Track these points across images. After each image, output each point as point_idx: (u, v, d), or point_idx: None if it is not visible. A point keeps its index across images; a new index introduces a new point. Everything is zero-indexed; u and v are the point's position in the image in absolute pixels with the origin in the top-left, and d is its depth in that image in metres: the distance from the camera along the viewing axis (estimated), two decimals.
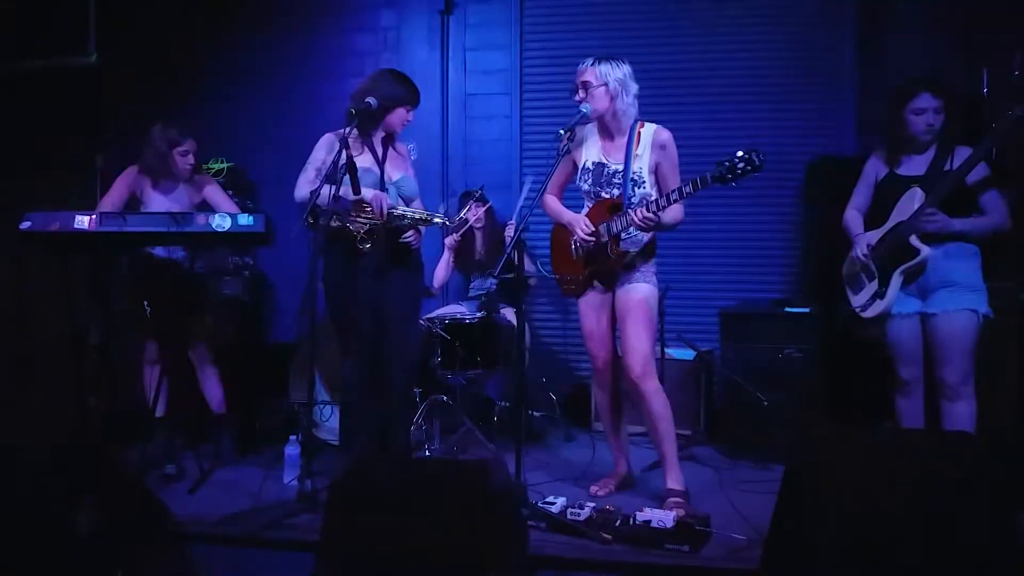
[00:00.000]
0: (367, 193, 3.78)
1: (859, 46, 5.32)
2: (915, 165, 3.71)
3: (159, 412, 4.32)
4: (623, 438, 4.00)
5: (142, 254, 4.31)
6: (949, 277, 3.56)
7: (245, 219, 3.74)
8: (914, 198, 3.60)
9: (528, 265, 5.08)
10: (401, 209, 3.90)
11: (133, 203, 4.32)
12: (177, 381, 4.40)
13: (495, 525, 2.34)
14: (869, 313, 3.75)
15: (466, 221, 4.97)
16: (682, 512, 3.36)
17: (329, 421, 4.84)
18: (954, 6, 5.04)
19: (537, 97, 5.81)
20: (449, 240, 5.18)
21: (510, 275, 4.09)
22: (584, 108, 3.60)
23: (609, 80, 3.57)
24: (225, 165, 5.60)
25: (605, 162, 3.69)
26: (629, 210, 3.49)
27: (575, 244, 3.75)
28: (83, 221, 3.69)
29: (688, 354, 5.01)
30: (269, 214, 3.79)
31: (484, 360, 4.71)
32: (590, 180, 3.72)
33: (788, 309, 4.63)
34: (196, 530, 3.31)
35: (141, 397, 4.44)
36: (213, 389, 4.51)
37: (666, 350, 4.90)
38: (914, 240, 3.57)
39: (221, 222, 3.71)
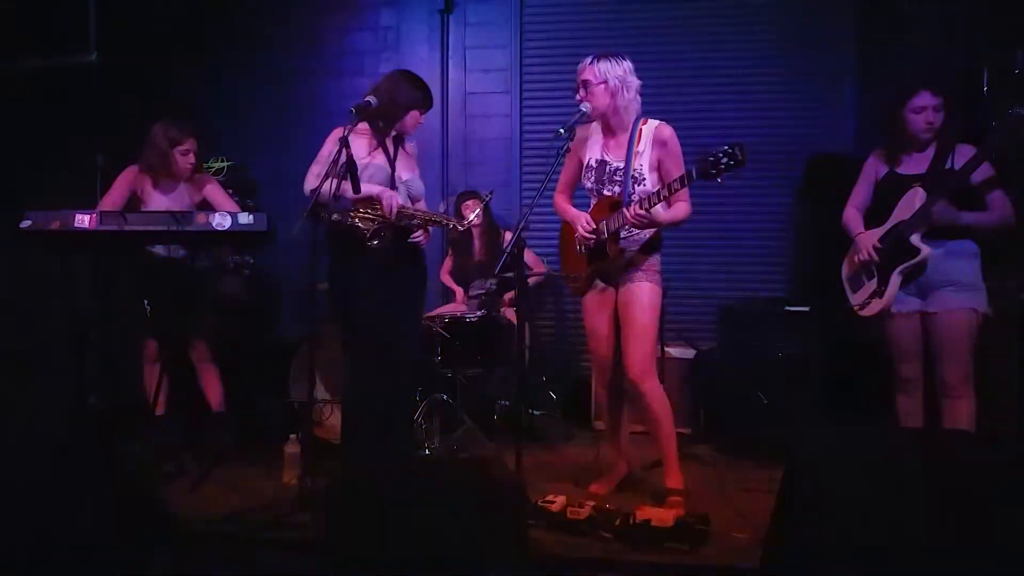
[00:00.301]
0: (379, 191, 3.80)
1: (860, 44, 5.33)
2: (915, 164, 3.70)
3: (159, 410, 4.33)
4: (623, 437, 4.00)
5: (142, 253, 4.31)
6: (949, 276, 3.56)
7: (246, 218, 3.74)
8: (915, 197, 3.59)
9: (535, 264, 5.10)
10: (412, 208, 3.92)
11: (134, 202, 4.32)
12: (177, 379, 4.40)
13: (495, 524, 2.34)
14: (867, 312, 3.75)
15: (486, 219, 5.00)
16: (681, 511, 3.35)
17: (329, 420, 4.84)
18: (955, 5, 5.03)
19: (537, 96, 5.82)
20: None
21: (509, 274, 4.09)
22: (583, 107, 3.60)
23: (609, 77, 3.57)
24: (225, 164, 5.60)
25: (607, 159, 3.69)
26: (623, 208, 3.49)
27: (577, 241, 3.76)
28: (83, 220, 3.69)
29: (688, 352, 5.01)
30: (270, 213, 3.79)
31: (484, 358, 4.72)
32: (593, 178, 3.72)
33: (788, 307, 4.63)
34: (196, 529, 3.32)
35: (141, 396, 4.44)
36: (213, 388, 4.50)
37: (666, 348, 4.90)
38: (915, 239, 3.56)
39: (222, 221, 3.71)
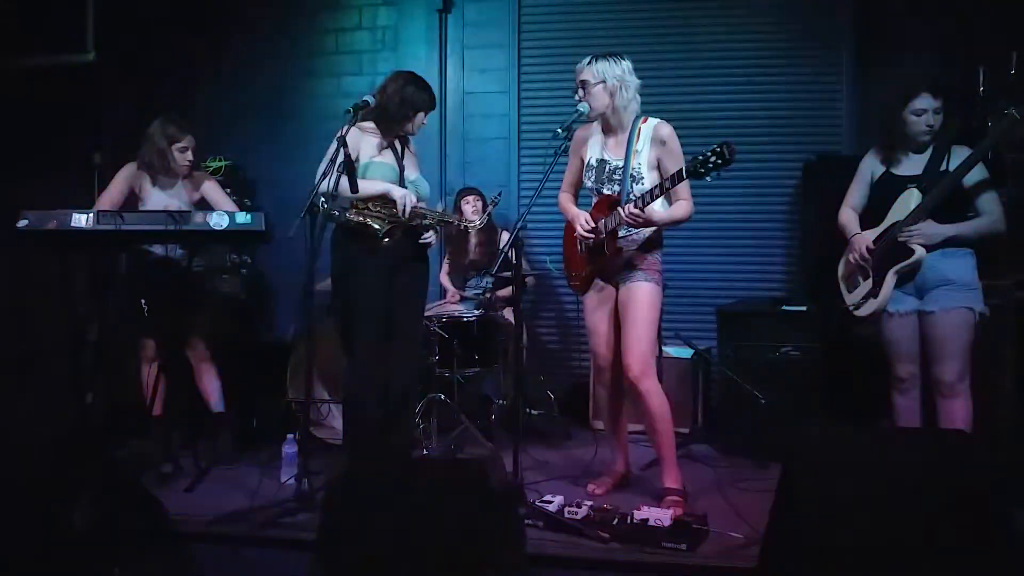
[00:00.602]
0: (394, 190, 3.86)
1: (857, 45, 5.33)
2: (912, 164, 3.69)
3: (157, 410, 4.31)
4: (623, 436, 4.00)
5: (140, 252, 4.30)
6: (945, 275, 3.54)
7: (243, 217, 3.74)
8: (910, 198, 3.58)
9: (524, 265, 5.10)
10: (424, 208, 3.96)
11: (132, 200, 4.31)
12: (175, 379, 4.40)
13: (493, 524, 2.35)
14: (862, 312, 3.74)
15: (488, 218, 5.01)
16: (679, 511, 3.37)
17: (327, 420, 4.84)
18: (951, 6, 5.04)
19: (535, 95, 5.82)
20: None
21: (507, 273, 4.10)
22: (581, 107, 3.61)
23: (607, 77, 3.57)
24: (223, 163, 5.59)
25: (606, 158, 3.70)
26: (619, 207, 3.50)
27: (577, 240, 3.76)
28: (80, 219, 3.69)
29: (686, 352, 5.01)
30: (267, 212, 3.79)
31: (482, 358, 4.72)
32: (593, 176, 3.73)
33: (786, 307, 4.63)
34: (193, 528, 3.31)
35: (139, 395, 4.43)
36: (211, 387, 4.50)
37: (664, 348, 4.90)
38: (909, 241, 3.57)
39: (219, 220, 3.71)
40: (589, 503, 3.41)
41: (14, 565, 2.45)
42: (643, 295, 3.63)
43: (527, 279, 5.22)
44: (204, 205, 4.43)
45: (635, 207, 3.41)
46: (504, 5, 5.82)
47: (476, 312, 4.85)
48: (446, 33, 5.93)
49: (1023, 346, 3.86)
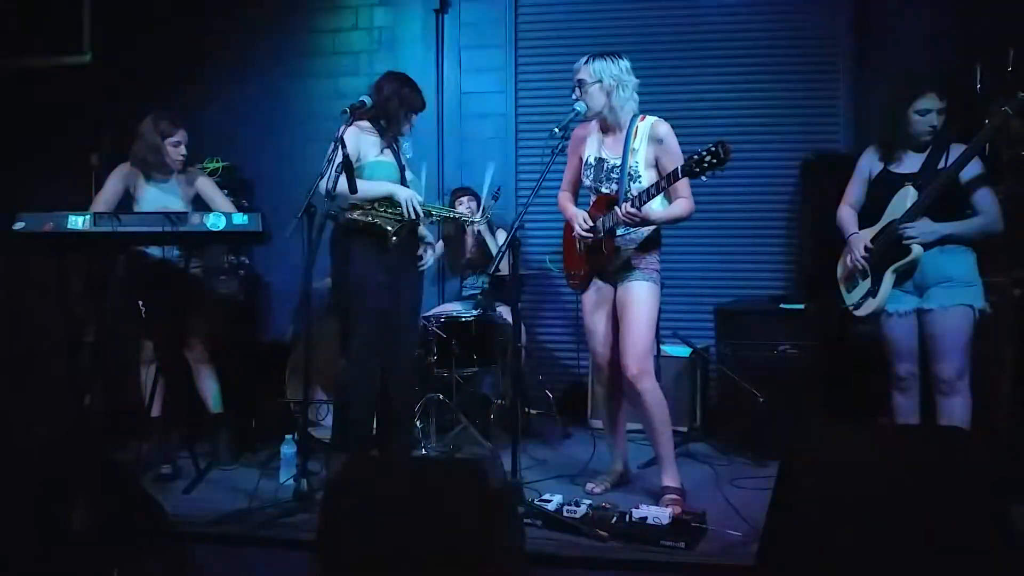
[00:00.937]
0: (399, 192, 3.89)
1: (854, 43, 5.34)
2: (911, 163, 3.67)
3: (155, 411, 4.31)
4: (621, 435, 4.00)
5: (137, 253, 4.30)
6: (945, 273, 3.53)
7: (241, 218, 3.74)
8: (907, 196, 3.57)
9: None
10: (429, 206, 4.03)
11: (126, 200, 4.31)
12: (173, 380, 4.40)
13: (491, 523, 2.34)
14: (861, 311, 3.73)
15: (487, 211, 5.02)
16: (678, 509, 3.37)
17: (325, 420, 4.84)
18: (949, 4, 5.04)
19: (532, 95, 5.82)
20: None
21: (504, 272, 4.10)
22: (578, 107, 3.62)
23: (604, 77, 3.58)
24: (220, 164, 5.59)
25: (604, 157, 3.70)
26: (616, 206, 3.50)
27: (575, 239, 3.76)
28: (77, 221, 3.68)
29: (684, 351, 5.01)
30: (265, 213, 3.79)
31: (480, 358, 4.72)
32: (591, 175, 3.73)
33: (784, 306, 4.63)
34: (192, 529, 3.30)
35: (137, 397, 4.43)
36: (209, 388, 4.49)
37: (662, 347, 4.89)
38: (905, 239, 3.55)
39: (216, 221, 3.70)
40: (588, 502, 3.41)
41: (13, 566, 2.45)
42: (641, 294, 3.63)
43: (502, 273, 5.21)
44: (200, 201, 4.43)
45: (632, 206, 3.41)
46: (501, 5, 5.82)
47: (474, 312, 4.85)
48: (443, 33, 5.93)
49: (1021, 344, 3.85)
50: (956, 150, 3.54)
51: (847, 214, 3.88)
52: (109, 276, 4.42)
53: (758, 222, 5.51)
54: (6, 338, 5.35)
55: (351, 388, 3.94)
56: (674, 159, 3.53)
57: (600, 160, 3.71)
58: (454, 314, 4.84)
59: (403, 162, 4.10)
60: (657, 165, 3.62)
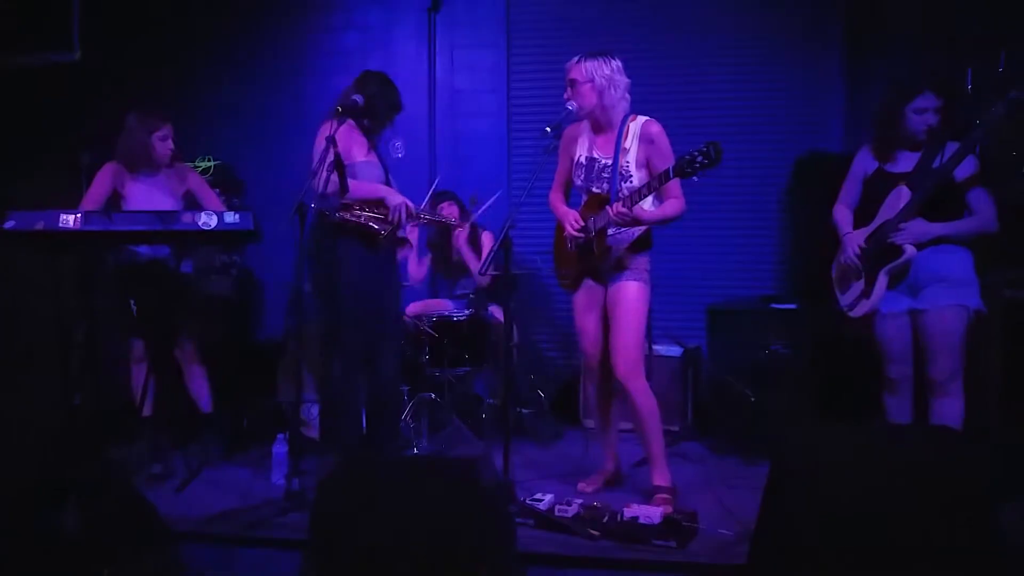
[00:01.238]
0: (391, 198, 3.91)
1: (846, 44, 5.34)
2: (905, 162, 3.65)
3: (146, 411, 4.30)
4: (613, 435, 4.00)
5: (128, 253, 4.29)
6: (939, 272, 3.51)
7: (232, 217, 3.73)
8: (900, 196, 3.55)
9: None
10: (418, 210, 4.05)
11: (115, 199, 4.30)
12: (164, 380, 4.39)
13: (483, 522, 2.35)
14: (856, 313, 3.70)
15: (471, 217, 5.07)
16: (669, 508, 3.38)
17: (317, 420, 4.83)
18: (940, 5, 5.05)
19: (525, 95, 5.81)
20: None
21: (497, 272, 4.11)
22: (570, 106, 3.62)
23: (595, 76, 3.58)
24: (212, 163, 5.58)
25: (595, 156, 3.70)
26: (607, 206, 3.50)
27: (567, 239, 3.77)
28: (68, 220, 3.67)
29: (675, 350, 5.02)
30: (256, 212, 3.78)
31: (472, 357, 4.72)
32: (582, 175, 3.73)
33: (775, 305, 4.64)
34: (184, 529, 3.31)
35: (128, 396, 4.43)
36: (200, 388, 4.49)
37: (653, 346, 4.91)
38: (899, 239, 3.52)
39: (208, 220, 3.69)
40: (579, 501, 3.42)
41: (4, 566, 2.44)
42: (630, 295, 3.64)
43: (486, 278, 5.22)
44: (191, 198, 4.43)
45: (623, 206, 3.42)
46: (493, 4, 5.82)
47: (466, 311, 4.85)
48: (436, 32, 5.92)
49: (1011, 344, 3.85)
50: (952, 149, 3.50)
51: (842, 214, 3.86)
52: (100, 275, 4.41)
53: (750, 222, 5.51)
54: None
55: (339, 388, 3.94)
56: (665, 159, 3.53)
57: (591, 160, 3.71)
58: (446, 314, 4.84)
59: (386, 163, 4.10)
60: (648, 165, 3.62)
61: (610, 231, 3.61)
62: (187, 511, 3.55)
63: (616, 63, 3.62)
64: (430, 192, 4.71)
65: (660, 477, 3.67)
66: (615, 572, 3.04)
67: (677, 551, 3.05)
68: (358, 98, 3.83)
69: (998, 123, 3.41)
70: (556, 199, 3.92)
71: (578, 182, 3.78)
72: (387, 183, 4.04)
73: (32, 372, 5.01)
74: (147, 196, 4.28)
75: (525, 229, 5.45)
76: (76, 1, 5.64)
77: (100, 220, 3.70)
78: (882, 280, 3.59)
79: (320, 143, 3.76)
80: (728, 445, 4.51)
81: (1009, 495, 2.83)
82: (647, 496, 3.65)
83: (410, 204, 3.95)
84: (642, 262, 3.70)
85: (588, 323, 3.84)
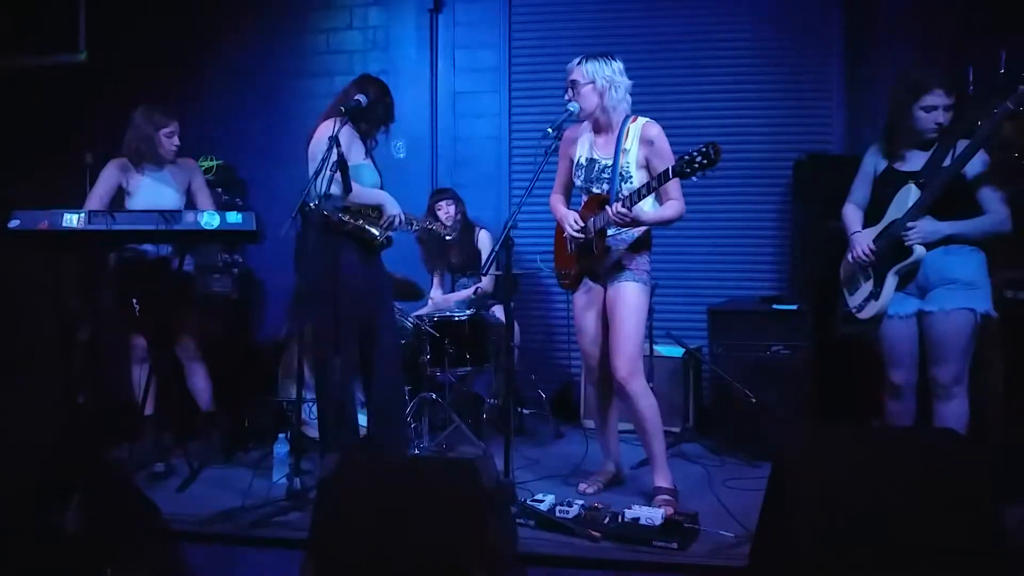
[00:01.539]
0: (390, 207, 3.93)
1: (847, 44, 5.35)
2: (915, 160, 3.55)
3: (148, 410, 4.31)
4: (614, 435, 4.00)
5: (131, 252, 4.30)
6: (948, 274, 3.42)
7: (234, 217, 3.73)
8: (909, 195, 3.46)
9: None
10: (410, 216, 4.05)
11: (119, 196, 4.31)
12: (166, 379, 4.39)
13: (484, 523, 2.35)
14: (864, 315, 3.62)
15: (459, 223, 5.10)
16: (670, 509, 3.38)
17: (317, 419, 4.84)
18: (940, 5, 5.06)
19: (526, 95, 5.82)
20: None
21: (498, 272, 4.12)
22: (571, 107, 3.63)
23: (596, 78, 3.59)
24: (214, 163, 5.59)
25: (596, 157, 3.71)
26: (607, 206, 3.51)
27: (566, 240, 3.77)
28: (72, 219, 3.68)
29: (677, 351, 5.02)
30: (258, 212, 3.79)
31: (473, 357, 4.73)
32: (582, 176, 3.74)
33: (776, 306, 4.64)
34: (185, 528, 3.31)
35: (130, 395, 4.43)
36: (202, 387, 4.49)
37: (655, 347, 4.92)
38: (908, 239, 3.43)
39: (210, 220, 3.70)
40: (580, 502, 3.42)
41: (7, 565, 2.45)
42: (630, 295, 3.64)
43: (480, 288, 5.23)
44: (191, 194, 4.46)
45: (622, 206, 3.42)
46: (495, 5, 5.83)
47: (467, 311, 4.85)
48: (437, 33, 5.93)
49: (1012, 346, 3.83)
50: (963, 148, 3.38)
51: (851, 213, 3.77)
52: (103, 275, 4.42)
53: (751, 222, 5.52)
54: (0, 337, 5.34)
55: (335, 390, 3.93)
56: (665, 160, 3.53)
57: (591, 161, 3.72)
58: (447, 313, 4.84)
59: (379, 168, 4.12)
60: (648, 166, 3.62)
61: (610, 231, 3.61)
62: (188, 510, 3.55)
63: (617, 64, 3.63)
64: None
65: (661, 478, 3.67)
66: (616, 573, 3.03)
67: (678, 552, 3.05)
68: (361, 98, 3.82)
69: (999, 125, 3.33)
70: (556, 200, 3.93)
71: (578, 183, 3.78)
72: (381, 188, 4.05)
73: (34, 371, 5.01)
74: (153, 191, 4.30)
75: (526, 229, 5.46)
76: (82, 2, 5.64)
77: (104, 219, 3.71)
78: (891, 281, 3.51)
79: (319, 142, 3.76)
80: (729, 446, 4.51)
81: (1011, 496, 2.83)
82: (648, 497, 3.65)
83: (403, 216, 3.97)
84: (642, 263, 3.70)
85: (588, 323, 3.84)
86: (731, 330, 4.66)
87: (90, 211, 3.77)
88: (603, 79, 3.59)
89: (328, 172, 3.52)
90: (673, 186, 3.50)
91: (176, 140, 4.35)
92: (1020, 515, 2.92)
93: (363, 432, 4.21)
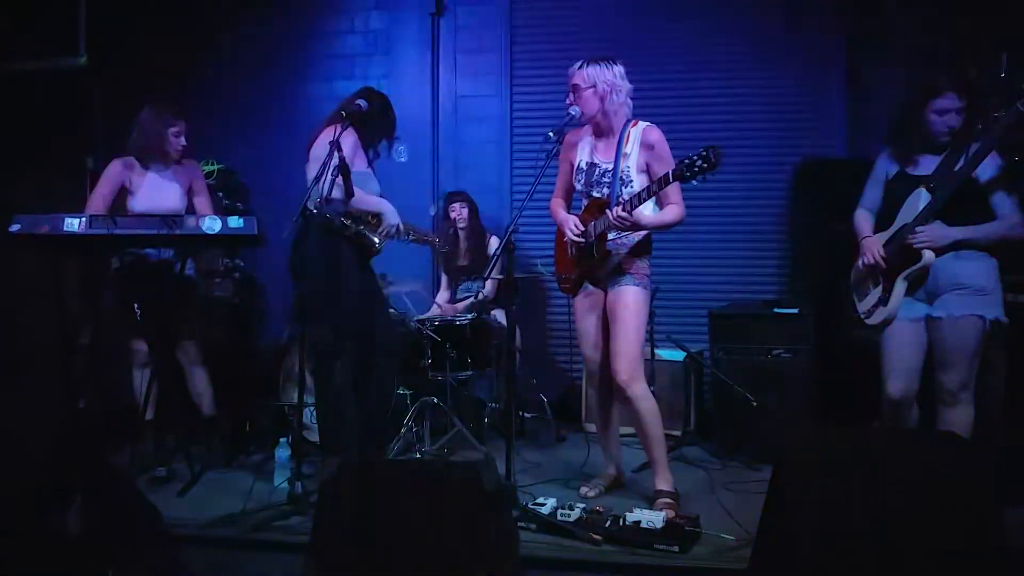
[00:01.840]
0: (390, 216, 3.93)
1: (848, 49, 5.35)
2: (927, 164, 3.50)
3: (149, 414, 4.31)
4: (615, 439, 4.00)
5: (132, 256, 4.30)
6: (958, 280, 3.37)
7: (236, 221, 3.74)
8: (919, 199, 3.41)
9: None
10: (407, 225, 4.06)
11: (122, 195, 4.32)
12: (167, 383, 4.39)
13: (486, 526, 2.35)
14: (873, 320, 3.57)
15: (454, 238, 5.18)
16: (672, 513, 3.37)
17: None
18: (941, 9, 5.06)
19: (527, 99, 5.83)
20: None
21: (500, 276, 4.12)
22: (572, 111, 3.63)
23: (598, 82, 3.59)
24: (216, 167, 5.60)
25: (596, 161, 3.71)
26: (608, 210, 3.51)
27: (567, 244, 3.77)
28: (73, 223, 3.68)
29: (678, 355, 5.02)
30: (260, 216, 3.79)
31: (475, 361, 4.73)
32: (583, 180, 3.74)
33: (777, 310, 4.64)
34: (186, 532, 3.31)
35: (131, 399, 4.43)
36: (203, 391, 4.49)
37: (656, 351, 4.92)
38: (917, 243, 3.38)
39: (212, 224, 3.70)
40: (582, 505, 3.42)
41: (9, 568, 2.45)
42: (630, 299, 3.64)
43: (482, 293, 5.24)
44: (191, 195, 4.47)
45: (623, 210, 3.42)
46: (496, 9, 5.84)
47: (469, 315, 4.86)
48: (438, 37, 5.94)
49: (1015, 349, 3.81)
50: (974, 151, 3.33)
51: (862, 217, 3.72)
52: (104, 279, 4.42)
53: (752, 226, 5.51)
54: (1, 340, 5.35)
55: (337, 394, 3.93)
56: (665, 165, 3.53)
57: (592, 165, 3.72)
58: (449, 317, 4.84)
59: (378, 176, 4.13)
60: (648, 170, 3.63)
61: (610, 235, 3.61)
62: (189, 514, 3.55)
63: (619, 69, 3.63)
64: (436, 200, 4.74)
65: (662, 481, 3.67)
66: None
67: (680, 555, 3.05)
68: (362, 103, 3.82)
69: (1002, 129, 3.27)
70: (556, 205, 3.93)
71: (578, 187, 3.79)
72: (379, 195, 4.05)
73: (36, 374, 5.02)
74: (156, 188, 4.33)
75: (527, 233, 5.46)
76: (82, 5, 5.65)
77: (105, 223, 3.72)
78: (900, 287, 3.46)
79: (320, 147, 3.76)
80: (730, 449, 4.51)
81: (1013, 499, 2.82)
82: (649, 500, 3.65)
83: (401, 225, 3.98)
84: (642, 267, 3.70)
85: (588, 327, 3.84)
86: (732, 334, 4.66)
87: (91, 215, 3.77)
88: (604, 83, 3.59)
89: (329, 176, 3.53)
90: (673, 190, 3.51)
91: (183, 139, 4.37)
92: (1021, 518, 2.91)
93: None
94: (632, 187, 3.59)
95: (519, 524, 3.22)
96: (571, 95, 3.65)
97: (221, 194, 5.51)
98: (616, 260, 3.67)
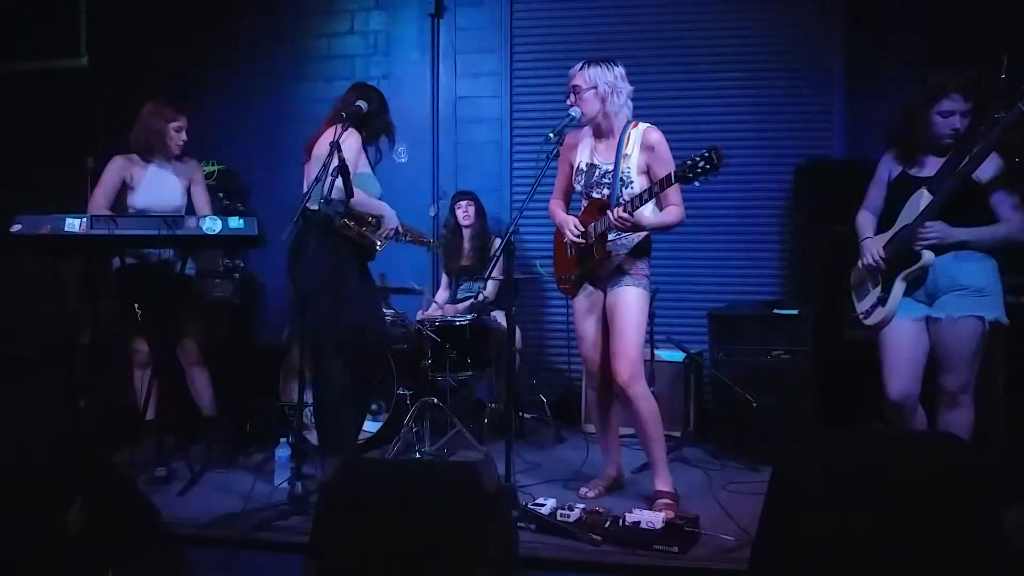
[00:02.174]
0: (390, 219, 3.96)
1: (848, 49, 5.36)
2: (931, 166, 3.48)
3: (150, 414, 4.31)
4: (614, 439, 4.00)
5: (132, 256, 4.31)
6: (958, 280, 3.35)
7: (236, 222, 3.74)
8: (920, 200, 3.40)
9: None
10: (405, 227, 4.10)
11: (123, 191, 4.33)
12: (168, 383, 4.39)
13: (485, 527, 2.35)
14: (871, 320, 3.57)
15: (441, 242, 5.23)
16: (671, 513, 3.37)
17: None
18: (940, 11, 5.06)
19: (527, 100, 5.84)
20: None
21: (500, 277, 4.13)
22: (573, 112, 3.62)
23: (598, 83, 3.59)
24: (216, 167, 5.60)
25: (596, 163, 3.71)
26: (608, 211, 3.51)
27: (567, 245, 3.78)
28: (74, 224, 3.69)
29: (678, 356, 5.03)
30: (260, 216, 3.80)
31: (474, 362, 4.73)
32: (583, 181, 3.74)
33: (777, 311, 4.64)
34: (187, 531, 3.31)
35: (132, 399, 4.43)
36: (203, 391, 4.50)
37: (656, 352, 4.92)
38: (917, 245, 3.38)
39: (212, 225, 3.71)
40: (581, 506, 3.42)
41: (8, 568, 2.45)
42: (630, 300, 3.65)
43: (483, 294, 5.25)
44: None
45: (624, 211, 3.42)
46: (496, 10, 5.84)
47: (469, 316, 4.86)
48: (438, 37, 5.95)
49: (1014, 350, 3.82)
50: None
51: (864, 219, 3.71)
52: (105, 279, 4.42)
53: (752, 227, 5.52)
54: (2, 340, 5.35)
55: (336, 393, 3.93)
56: (665, 166, 3.53)
57: (592, 166, 3.72)
58: (448, 318, 4.85)
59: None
60: (648, 172, 3.62)
61: (610, 236, 3.61)
62: (190, 513, 3.55)
63: (619, 70, 3.63)
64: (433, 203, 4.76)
65: (662, 482, 3.68)
66: None
67: (679, 556, 3.05)
68: (362, 104, 3.83)
69: (1002, 131, 3.24)
70: (556, 206, 3.93)
71: (578, 188, 3.79)
72: (379, 197, 4.06)
73: (37, 374, 5.02)
74: (157, 183, 4.34)
75: (527, 234, 5.47)
76: (83, 6, 5.66)
77: (106, 224, 3.72)
78: (898, 287, 3.46)
79: (321, 147, 3.77)
80: (730, 450, 4.51)
81: (1013, 500, 2.83)
82: (649, 501, 3.65)
83: (400, 227, 4.01)
84: (642, 268, 3.71)
85: (588, 328, 3.84)
86: (732, 334, 4.67)
87: (92, 216, 3.78)
88: (605, 84, 3.59)
89: (330, 177, 3.53)
90: (673, 191, 3.51)
91: (184, 135, 4.40)
92: (1021, 519, 2.92)
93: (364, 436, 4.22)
94: (632, 188, 3.59)
95: (519, 524, 3.23)
96: (571, 96, 3.65)
97: (221, 194, 5.51)
98: (616, 261, 3.67)
